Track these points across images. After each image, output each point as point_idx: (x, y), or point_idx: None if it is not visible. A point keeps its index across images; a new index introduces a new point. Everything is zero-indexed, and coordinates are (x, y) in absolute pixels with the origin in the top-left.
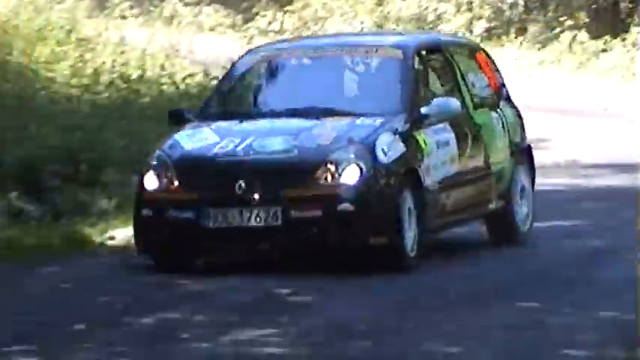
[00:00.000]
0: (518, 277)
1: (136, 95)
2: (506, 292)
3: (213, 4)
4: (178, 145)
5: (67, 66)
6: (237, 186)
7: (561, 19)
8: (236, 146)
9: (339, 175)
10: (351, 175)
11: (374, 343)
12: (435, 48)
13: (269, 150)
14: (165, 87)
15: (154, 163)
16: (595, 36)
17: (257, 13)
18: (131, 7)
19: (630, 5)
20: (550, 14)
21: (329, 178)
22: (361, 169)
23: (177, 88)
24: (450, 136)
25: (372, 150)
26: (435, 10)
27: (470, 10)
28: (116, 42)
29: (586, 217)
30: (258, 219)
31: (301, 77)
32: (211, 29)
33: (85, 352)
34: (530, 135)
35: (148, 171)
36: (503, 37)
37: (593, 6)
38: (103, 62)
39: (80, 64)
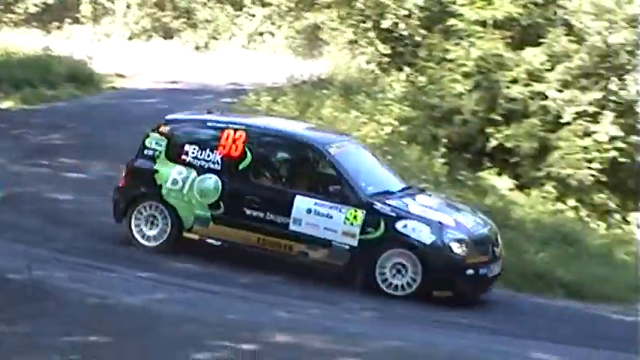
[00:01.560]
0: None
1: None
2: None
3: None
4: (444, 225)
5: None
6: (492, 249)
7: None
8: (472, 225)
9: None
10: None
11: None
12: None
13: (479, 225)
14: None
15: (457, 238)
16: None
17: None
18: None
19: None
20: None
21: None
22: None
23: None
24: None
25: None
26: None
27: None
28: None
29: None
30: (497, 268)
31: (360, 163)
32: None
33: None
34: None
35: (452, 243)
36: None
37: None
38: None
39: None
